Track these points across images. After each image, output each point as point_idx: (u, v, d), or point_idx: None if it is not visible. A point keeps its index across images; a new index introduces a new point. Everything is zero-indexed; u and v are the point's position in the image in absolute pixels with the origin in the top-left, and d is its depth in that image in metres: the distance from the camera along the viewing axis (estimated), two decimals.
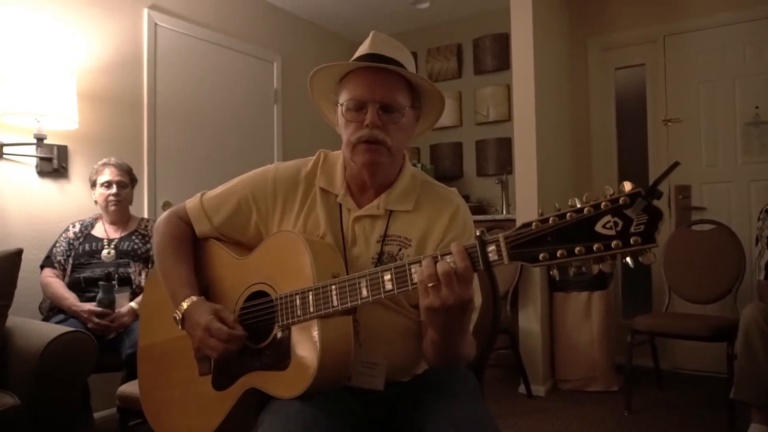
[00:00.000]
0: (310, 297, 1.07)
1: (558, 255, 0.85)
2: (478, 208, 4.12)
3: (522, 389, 3.31)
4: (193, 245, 1.33)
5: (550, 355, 3.45)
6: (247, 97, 3.93)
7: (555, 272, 0.88)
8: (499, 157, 4.28)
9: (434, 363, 1.15)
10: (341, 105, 1.17)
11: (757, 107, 3.52)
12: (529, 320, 3.38)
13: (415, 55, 4.70)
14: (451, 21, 4.53)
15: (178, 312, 1.19)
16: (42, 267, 2.54)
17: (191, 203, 1.34)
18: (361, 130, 1.14)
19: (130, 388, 1.95)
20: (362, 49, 1.21)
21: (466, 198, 4.28)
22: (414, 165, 4.70)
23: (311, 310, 1.06)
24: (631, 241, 0.80)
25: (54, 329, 1.98)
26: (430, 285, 0.94)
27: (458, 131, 4.52)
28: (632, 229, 0.80)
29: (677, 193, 3.74)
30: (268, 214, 1.26)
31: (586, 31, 4.01)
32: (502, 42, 4.25)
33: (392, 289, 1.00)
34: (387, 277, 1.01)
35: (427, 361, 1.17)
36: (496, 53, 4.30)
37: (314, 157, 1.29)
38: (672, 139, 3.77)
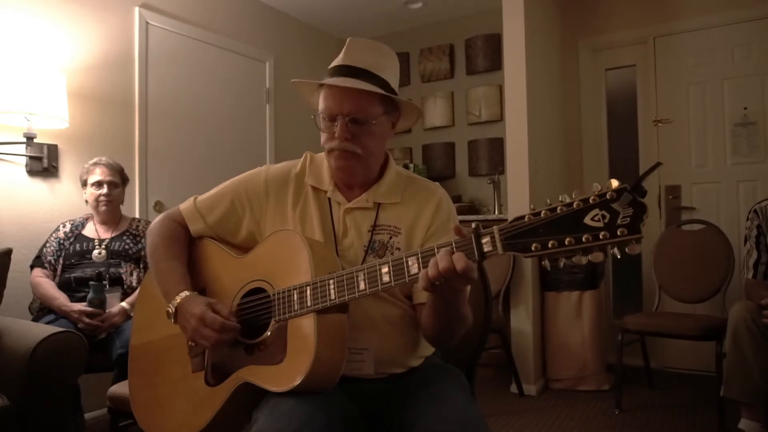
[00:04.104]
0: (308, 291, 1.09)
1: (549, 246, 0.88)
2: (470, 208, 4.13)
3: (514, 388, 3.33)
4: (187, 245, 1.35)
5: (542, 355, 3.47)
6: (239, 96, 3.92)
7: (546, 263, 0.91)
8: (491, 157, 4.29)
9: (435, 329, 1.16)
10: (319, 114, 1.24)
11: (745, 108, 3.55)
12: (521, 320, 3.39)
13: (407, 54, 4.72)
14: (444, 21, 4.54)
15: (171, 306, 1.20)
16: (32, 267, 2.52)
17: (185, 205, 1.37)
18: (333, 140, 1.21)
19: (121, 388, 1.94)
20: (337, 60, 1.25)
21: (458, 198, 4.30)
22: (406, 165, 4.65)
23: (308, 303, 1.08)
24: (618, 233, 0.84)
25: (44, 329, 1.96)
26: (436, 283, 0.97)
27: (450, 131, 4.52)
28: (619, 222, 0.84)
29: (667, 193, 3.77)
30: (261, 213, 1.29)
31: (577, 32, 4.03)
32: (494, 42, 4.26)
33: (389, 282, 1.03)
34: (385, 270, 1.03)
35: (427, 332, 1.19)
36: (488, 54, 4.31)
37: (301, 159, 1.35)
38: (662, 140, 3.80)
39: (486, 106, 4.32)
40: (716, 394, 2.52)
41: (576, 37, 4.04)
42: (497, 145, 4.25)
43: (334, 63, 1.24)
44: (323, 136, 1.24)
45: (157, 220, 1.37)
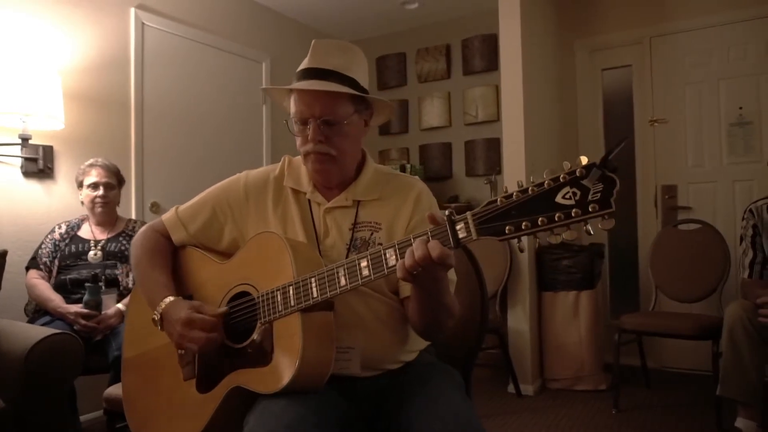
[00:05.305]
0: (291, 291, 1.09)
1: (522, 227, 0.89)
2: (467, 209, 4.11)
3: (511, 388, 3.33)
4: (170, 255, 1.35)
5: (539, 355, 3.47)
6: (236, 97, 3.91)
7: (521, 245, 0.92)
8: (488, 158, 4.29)
9: (422, 321, 1.17)
10: (291, 118, 1.25)
11: (741, 108, 3.56)
12: (518, 320, 3.39)
13: (404, 55, 4.72)
14: (440, 22, 4.54)
15: (156, 313, 1.20)
16: (27, 268, 2.51)
17: (167, 216, 1.38)
18: (307, 143, 1.22)
19: (117, 390, 1.93)
20: (303, 63, 1.24)
21: (456, 198, 4.30)
22: (403, 165, 4.62)
23: (292, 303, 1.08)
24: (590, 209, 0.84)
25: (40, 331, 1.96)
26: (414, 273, 0.97)
27: (447, 132, 4.52)
28: (590, 198, 0.84)
29: (663, 192, 3.78)
30: (243, 218, 1.30)
31: (573, 32, 4.04)
32: (491, 43, 4.26)
33: (369, 275, 1.03)
34: (363, 263, 1.04)
35: (415, 325, 1.20)
36: (484, 54, 4.32)
37: (280, 163, 1.36)
38: (658, 140, 3.81)
39: (483, 107, 4.32)
40: (713, 394, 2.52)
41: (572, 37, 4.05)
42: (494, 146, 4.26)
43: (301, 67, 1.25)
44: (298, 140, 1.25)
45: (140, 232, 1.38)
